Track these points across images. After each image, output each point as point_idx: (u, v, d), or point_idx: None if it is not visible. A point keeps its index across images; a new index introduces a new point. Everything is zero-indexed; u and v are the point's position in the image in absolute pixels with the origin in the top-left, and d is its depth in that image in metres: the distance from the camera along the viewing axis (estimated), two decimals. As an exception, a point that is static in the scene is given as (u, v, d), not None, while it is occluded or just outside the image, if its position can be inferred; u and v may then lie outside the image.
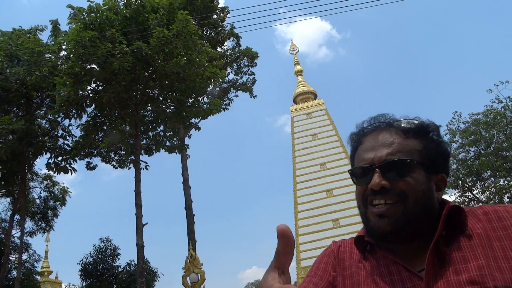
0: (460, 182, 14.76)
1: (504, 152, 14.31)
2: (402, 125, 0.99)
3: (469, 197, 15.46)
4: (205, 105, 15.75)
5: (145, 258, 15.08)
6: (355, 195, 1.01)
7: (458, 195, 15.39)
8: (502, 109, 14.45)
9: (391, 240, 0.92)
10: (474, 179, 14.88)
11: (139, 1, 12.88)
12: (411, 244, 0.93)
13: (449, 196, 14.95)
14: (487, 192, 14.57)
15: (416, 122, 0.99)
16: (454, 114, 15.57)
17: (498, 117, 14.38)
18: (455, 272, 0.84)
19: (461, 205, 1.03)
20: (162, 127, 15.74)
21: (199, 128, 18.81)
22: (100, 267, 21.98)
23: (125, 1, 12.92)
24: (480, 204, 14.08)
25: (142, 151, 15.13)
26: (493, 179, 14.65)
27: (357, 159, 1.01)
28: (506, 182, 14.15)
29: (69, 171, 15.40)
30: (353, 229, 17.60)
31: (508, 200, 13.99)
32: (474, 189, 15.13)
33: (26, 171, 16.27)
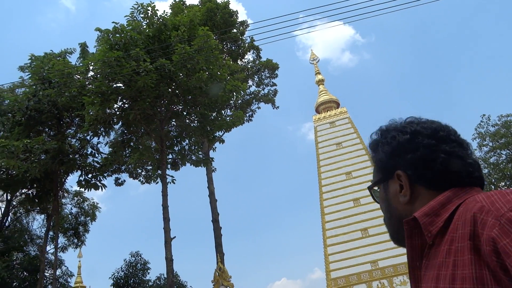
0: (493, 187, 14.21)
1: (538, 154, 13.76)
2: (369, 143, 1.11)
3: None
4: (228, 118, 15.94)
5: (174, 272, 15.23)
6: None
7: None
8: (534, 110, 13.97)
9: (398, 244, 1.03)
10: (507, 183, 14.32)
11: (161, 20, 13.27)
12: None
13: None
14: (523, 197, 13.97)
15: (373, 137, 1.08)
16: (482, 117, 15.12)
17: (530, 118, 13.89)
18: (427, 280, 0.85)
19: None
20: (186, 141, 16.00)
21: (223, 141, 19.02)
22: (131, 281, 22.36)
23: (147, 21, 13.34)
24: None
25: (168, 165, 15.39)
26: (528, 183, 14.07)
27: None
28: (542, 185, 13.55)
29: (99, 187, 15.83)
30: (383, 239, 17.20)
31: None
32: (509, 193, 14.54)
33: (58, 188, 16.82)
